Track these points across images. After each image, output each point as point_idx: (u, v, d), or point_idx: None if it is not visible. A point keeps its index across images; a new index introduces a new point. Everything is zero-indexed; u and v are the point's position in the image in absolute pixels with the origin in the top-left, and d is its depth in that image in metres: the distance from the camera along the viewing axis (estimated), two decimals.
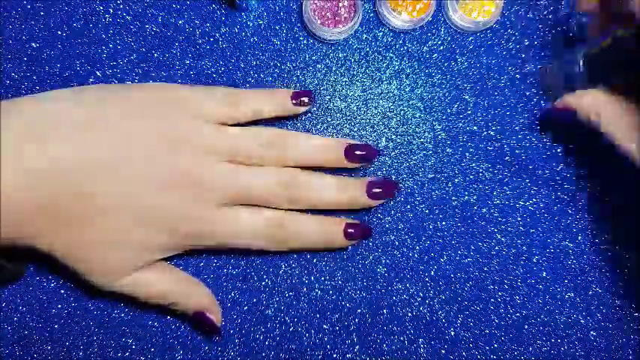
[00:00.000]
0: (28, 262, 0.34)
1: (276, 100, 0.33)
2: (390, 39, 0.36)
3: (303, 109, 0.33)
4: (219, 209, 0.31)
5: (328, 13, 0.35)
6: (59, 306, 0.34)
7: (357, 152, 0.33)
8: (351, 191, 0.33)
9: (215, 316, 0.33)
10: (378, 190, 0.33)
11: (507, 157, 0.36)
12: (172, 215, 0.29)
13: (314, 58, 0.36)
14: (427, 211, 0.35)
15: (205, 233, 0.31)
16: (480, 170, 0.36)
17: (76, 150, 0.28)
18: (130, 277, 0.30)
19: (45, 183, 0.27)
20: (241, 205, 0.32)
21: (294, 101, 0.33)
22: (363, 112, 0.36)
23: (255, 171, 0.31)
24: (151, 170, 0.29)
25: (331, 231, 0.32)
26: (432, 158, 0.36)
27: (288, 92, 0.33)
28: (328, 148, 0.33)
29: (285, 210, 0.32)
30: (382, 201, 0.34)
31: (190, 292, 0.32)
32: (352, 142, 0.34)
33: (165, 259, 0.34)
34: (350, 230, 0.33)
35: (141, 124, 0.29)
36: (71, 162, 0.27)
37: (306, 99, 0.33)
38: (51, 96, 0.30)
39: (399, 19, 0.35)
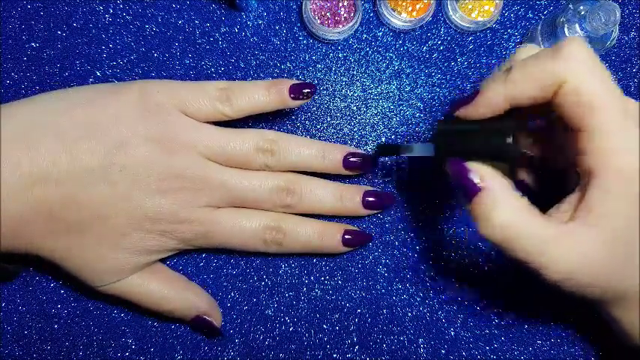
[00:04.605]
0: (26, 263, 0.34)
1: (272, 94, 0.31)
2: (390, 39, 0.36)
3: (302, 102, 0.32)
4: (215, 211, 0.31)
5: (328, 13, 0.35)
6: (59, 306, 0.34)
7: (354, 159, 0.32)
8: (347, 199, 0.33)
9: (215, 318, 0.33)
10: (373, 200, 0.33)
11: None
12: (169, 218, 0.29)
13: (314, 58, 0.36)
14: (427, 211, 0.35)
15: (202, 235, 0.31)
16: None
17: (71, 159, 0.27)
18: (128, 279, 0.30)
19: (40, 192, 0.27)
20: (238, 207, 0.32)
21: (292, 95, 0.31)
22: (363, 112, 0.36)
23: (252, 175, 0.31)
24: (147, 175, 0.29)
25: (329, 236, 0.32)
26: None
27: (286, 85, 0.31)
28: (327, 154, 0.32)
29: (283, 213, 0.32)
30: (377, 211, 0.34)
31: (188, 296, 0.32)
32: (351, 149, 0.33)
33: (164, 260, 0.34)
34: (347, 237, 0.32)
35: (134, 129, 0.29)
36: (65, 171, 0.27)
37: (306, 90, 0.31)
38: (44, 100, 0.29)
39: (399, 19, 0.35)
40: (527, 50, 0.27)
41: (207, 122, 0.31)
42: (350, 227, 0.33)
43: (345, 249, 0.33)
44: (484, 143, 0.26)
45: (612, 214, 0.24)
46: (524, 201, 0.25)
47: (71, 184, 0.27)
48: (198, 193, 0.30)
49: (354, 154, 0.33)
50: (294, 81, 0.32)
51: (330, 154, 0.32)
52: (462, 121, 0.27)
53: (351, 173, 0.33)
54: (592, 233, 0.24)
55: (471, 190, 0.25)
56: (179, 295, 0.32)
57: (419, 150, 0.30)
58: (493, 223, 0.25)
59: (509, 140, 0.25)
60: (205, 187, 0.30)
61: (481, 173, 0.26)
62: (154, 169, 0.29)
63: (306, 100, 0.32)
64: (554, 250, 0.24)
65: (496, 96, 0.25)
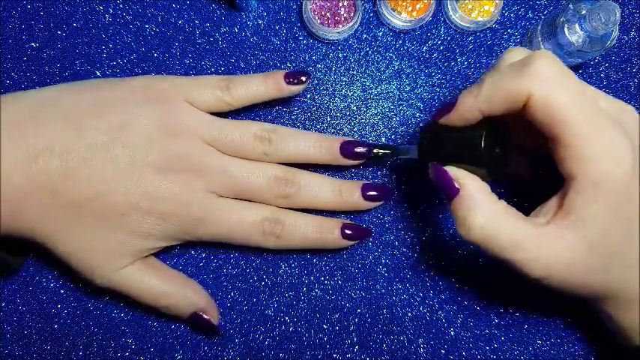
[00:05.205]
0: (27, 255, 0.34)
1: (269, 82, 0.32)
2: (390, 39, 0.36)
3: (297, 88, 0.33)
4: (216, 198, 0.31)
5: (328, 13, 0.35)
6: (59, 306, 0.34)
7: (353, 149, 0.33)
8: (346, 192, 0.33)
9: (212, 315, 0.32)
10: (373, 193, 0.33)
11: None
12: (168, 197, 0.29)
13: (314, 58, 0.36)
14: (427, 211, 0.35)
15: (200, 221, 0.30)
16: None
17: (75, 133, 0.28)
18: (128, 272, 0.30)
19: (43, 164, 0.27)
20: (238, 199, 0.32)
21: (287, 80, 0.32)
22: (363, 112, 0.36)
23: (252, 164, 0.32)
24: (148, 154, 0.29)
25: (327, 230, 0.32)
26: None
27: (281, 73, 0.33)
28: (324, 144, 0.33)
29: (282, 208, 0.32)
30: (376, 204, 0.34)
31: (186, 293, 0.32)
32: (348, 139, 0.33)
33: (165, 261, 0.34)
34: (347, 231, 0.32)
35: (139, 111, 0.30)
36: (69, 145, 0.28)
37: (303, 78, 0.33)
38: (51, 88, 0.31)
39: (399, 19, 0.35)
40: (516, 52, 0.28)
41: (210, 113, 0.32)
42: (348, 222, 0.33)
43: (345, 242, 0.33)
44: (460, 149, 0.28)
45: (589, 219, 0.25)
46: (502, 203, 0.27)
47: (74, 158, 0.28)
48: (197, 176, 0.30)
49: (351, 142, 0.33)
50: (289, 71, 0.33)
51: (327, 143, 0.33)
52: (442, 126, 0.29)
53: (349, 162, 0.33)
54: (569, 235, 0.25)
55: (450, 191, 0.27)
56: (178, 291, 0.32)
57: (408, 152, 0.32)
58: (472, 223, 0.26)
59: (482, 146, 0.27)
60: (205, 170, 0.30)
61: (458, 175, 0.27)
62: (154, 148, 0.29)
63: (301, 86, 0.33)
64: (531, 249, 0.25)
65: (469, 109, 0.27)
